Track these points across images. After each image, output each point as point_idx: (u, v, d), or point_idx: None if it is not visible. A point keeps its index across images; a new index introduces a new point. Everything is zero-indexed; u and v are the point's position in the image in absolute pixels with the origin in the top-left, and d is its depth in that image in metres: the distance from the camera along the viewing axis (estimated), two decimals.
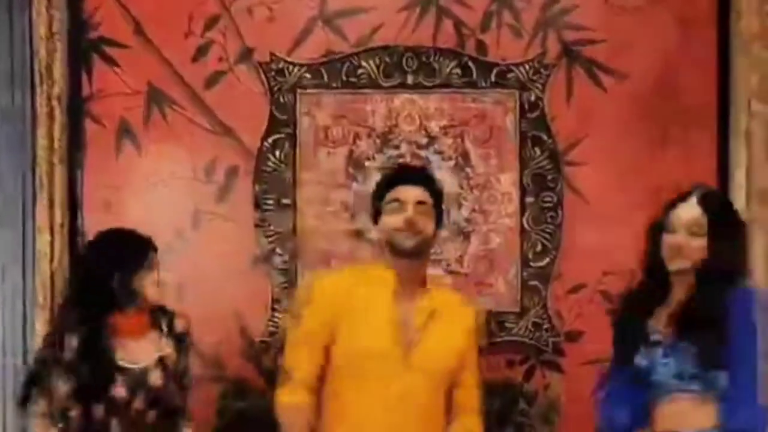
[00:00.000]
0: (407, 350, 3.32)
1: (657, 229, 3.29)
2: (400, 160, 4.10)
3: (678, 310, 3.22)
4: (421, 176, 3.52)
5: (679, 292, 3.25)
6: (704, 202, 3.23)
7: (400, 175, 3.54)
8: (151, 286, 3.47)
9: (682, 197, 3.27)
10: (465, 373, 3.43)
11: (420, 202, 3.39)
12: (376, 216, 3.47)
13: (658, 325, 3.25)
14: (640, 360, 3.24)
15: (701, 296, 3.19)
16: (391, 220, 3.38)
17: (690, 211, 3.22)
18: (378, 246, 3.53)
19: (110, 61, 4.13)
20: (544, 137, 4.12)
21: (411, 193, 3.39)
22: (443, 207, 3.52)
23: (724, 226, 3.23)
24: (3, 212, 4.08)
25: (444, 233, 4.02)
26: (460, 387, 3.42)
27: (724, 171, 4.13)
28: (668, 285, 3.27)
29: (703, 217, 3.21)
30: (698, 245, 3.20)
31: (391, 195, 3.41)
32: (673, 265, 3.23)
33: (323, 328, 3.35)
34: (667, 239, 3.24)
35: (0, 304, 4.09)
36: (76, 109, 4.11)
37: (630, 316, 3.33)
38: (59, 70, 4.08)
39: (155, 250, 3.51)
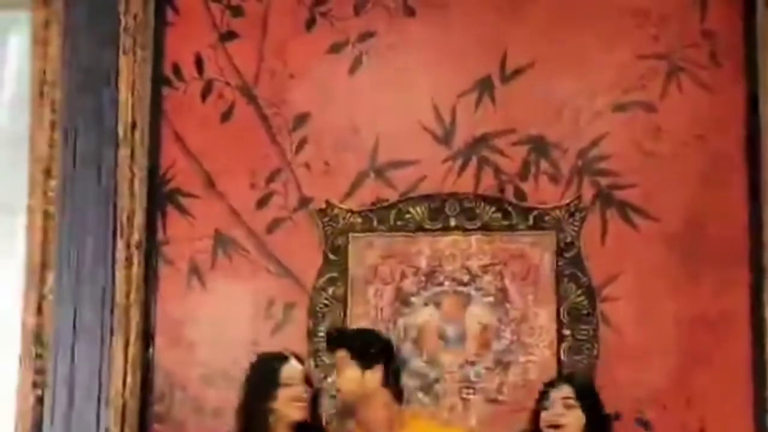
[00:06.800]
0: None
1: None
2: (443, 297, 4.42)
3: None
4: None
5: None
6: None
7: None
8: None
9: None
10: None
11: None
12: None
13: None
14: None
15: None
16: None
17: None
18: None
19: (182, 210, 4.58)
20: (580, 275, 4.40)
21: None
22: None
23: None
24: (82, 347, 4.42)
25: (485, 363, 4.34)
26: None
27: (757, 305, 4.33)
28: None
29: None
30: None
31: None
32: None
33: None
34: None
35: None
36: (151, 252, 4.55)
37: None
38: (138, 220, 4.51)
39: None
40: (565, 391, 3.82)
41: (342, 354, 3.84)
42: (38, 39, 4.68)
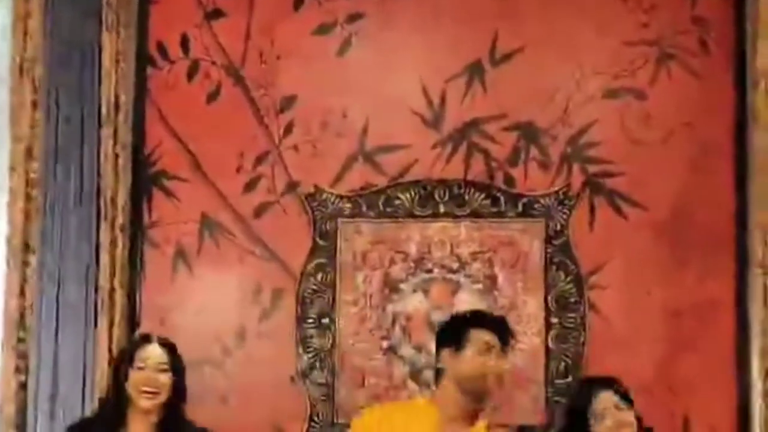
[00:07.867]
0: None
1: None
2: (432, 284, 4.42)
3: None
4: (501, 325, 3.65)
5: None
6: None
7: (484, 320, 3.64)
8: None
9: None
10: None
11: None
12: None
13: None
14: None
15: None
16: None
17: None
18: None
19: (168, 193, 4.52)
20: (568, 262, 4.41)
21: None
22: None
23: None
24: (66, 331, 4.37)
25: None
26: None
27: (742, 293, 4.37)
28: None
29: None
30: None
31: (478, 336, 3.51)
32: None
33: None
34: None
35: (60, 420, 4.31)
36: (136, 236, 4.48)
37: None
38: (122, 201, 4.45)
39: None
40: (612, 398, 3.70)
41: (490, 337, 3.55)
42: (19, 12, 4.57)
